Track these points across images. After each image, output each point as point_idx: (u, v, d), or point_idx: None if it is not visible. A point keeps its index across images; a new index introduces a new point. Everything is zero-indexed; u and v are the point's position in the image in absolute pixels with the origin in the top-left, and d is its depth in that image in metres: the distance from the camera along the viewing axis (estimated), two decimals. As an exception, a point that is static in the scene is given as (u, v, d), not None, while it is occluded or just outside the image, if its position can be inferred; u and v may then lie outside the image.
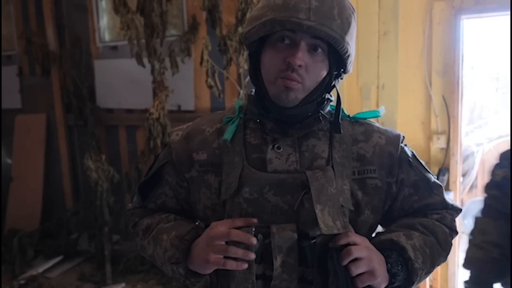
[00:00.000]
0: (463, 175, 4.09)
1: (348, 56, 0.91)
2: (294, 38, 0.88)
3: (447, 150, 2.76)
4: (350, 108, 2.80)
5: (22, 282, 3.30)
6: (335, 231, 0.86)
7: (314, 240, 0.88)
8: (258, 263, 0.89)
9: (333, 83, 0.94)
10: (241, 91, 2.94)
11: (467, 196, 4.42)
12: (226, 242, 0.88)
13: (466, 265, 1.50)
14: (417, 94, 2.81)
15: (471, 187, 4.44)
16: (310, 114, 0.94)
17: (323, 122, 0.96)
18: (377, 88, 2.88)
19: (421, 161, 1.03)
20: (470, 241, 1.49)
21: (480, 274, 1.45)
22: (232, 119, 0.98)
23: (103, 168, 3.30)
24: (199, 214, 1.01)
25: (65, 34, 3.79)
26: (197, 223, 1.02)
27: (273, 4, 0.87)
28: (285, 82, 0.88)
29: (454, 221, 1.05)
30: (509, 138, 4.60)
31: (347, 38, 0.89)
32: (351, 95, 2.92)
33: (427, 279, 2.62)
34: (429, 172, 1.03)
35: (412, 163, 1.00)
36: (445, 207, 1.04)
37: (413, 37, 2.76)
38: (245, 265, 0.86)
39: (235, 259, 0.87)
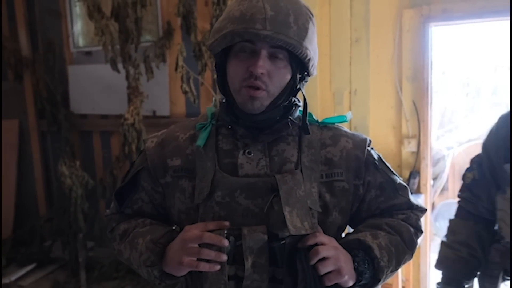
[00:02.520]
0: (434, 178, 4.19)
1: (309, 60, 0.95)
2: (254, 48, 0.92)
3: (417, 154, 2.84)
4: (323, 113, 2.85)
5: (-6, 291, 3.24)
6: (303, 232, 0.90)
7: (284, 241, 0.91)
8: (230, 264, 0.92)
9: (298, 86, 0.98)
10: (214, 97, 2.96)
11: (438, 199, 4.52)
12: (200, 245, 0.90)
13: (437, 265, 1.55)
14: (388, 99, 2.87)
15: (442, 190, 4.54)
16: (278, 118, 0.97)
17: (291, 127, 0.99)
18: (349, 93, 2.94)
19: (387, 163, 1.07)
20: (442, 242, 1.55)
21: (450, 273, 1.50)
22: (204, 126, 1.01)
23: (78, 174, 3.26)
24: (174, 218, 1.03)
25: (38, 39, 3.73)
26: (173, 228, 1.04)
27: (232, 16, 0.92)
28: (249, 91, 0.92)
29: (419, 220, 1.09)
30: (478, 142, 4.75)
31: (305, 43, 0.92)
32: (324, 100, 2.97)
33: (400, 280, 2.68)
34: (394, 174, 1.07)
35: (378, 166, 1.04)
36: (410, 208, 1.08)
37: (384, 44, 2.83)
38: (218, 267, 0.89)
39: (208, 261, 0.89)
